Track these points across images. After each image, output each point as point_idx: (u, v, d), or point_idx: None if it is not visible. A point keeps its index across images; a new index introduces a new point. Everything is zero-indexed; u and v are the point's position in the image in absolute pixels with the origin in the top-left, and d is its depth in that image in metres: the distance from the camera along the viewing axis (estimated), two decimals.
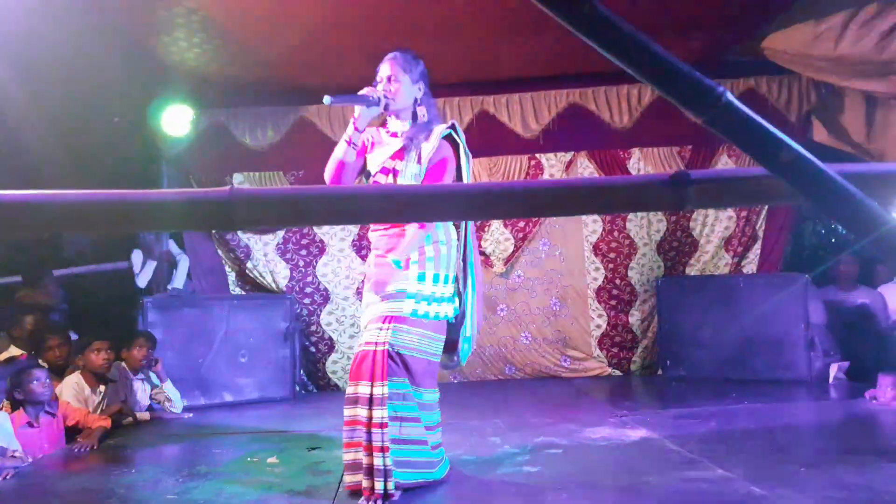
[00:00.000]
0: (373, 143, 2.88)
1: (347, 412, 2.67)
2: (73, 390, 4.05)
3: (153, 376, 4.57)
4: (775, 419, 3.89)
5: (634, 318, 5.77)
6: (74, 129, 4.71)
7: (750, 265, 5.72)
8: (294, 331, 5.24)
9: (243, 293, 5.62)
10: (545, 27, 4.05)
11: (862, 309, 5.26)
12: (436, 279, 2.74)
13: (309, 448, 3.51)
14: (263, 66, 4.82)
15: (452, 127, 2.84)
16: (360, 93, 2.69)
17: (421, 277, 2.71)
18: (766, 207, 5.68)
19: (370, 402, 2.59)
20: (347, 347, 5.61)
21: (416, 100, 2.80)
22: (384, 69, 2.77)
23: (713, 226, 5.74)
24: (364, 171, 2.91)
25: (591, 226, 5.81)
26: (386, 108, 2.74)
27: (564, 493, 2.62)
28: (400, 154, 2.79)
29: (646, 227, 5.80)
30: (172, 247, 5.81)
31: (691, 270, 5.78)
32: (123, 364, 4.46)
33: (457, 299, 2.88)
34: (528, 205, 1.34)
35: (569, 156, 5.76)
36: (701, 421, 3.82)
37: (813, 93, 5.32)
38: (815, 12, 4.06)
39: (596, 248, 5.79)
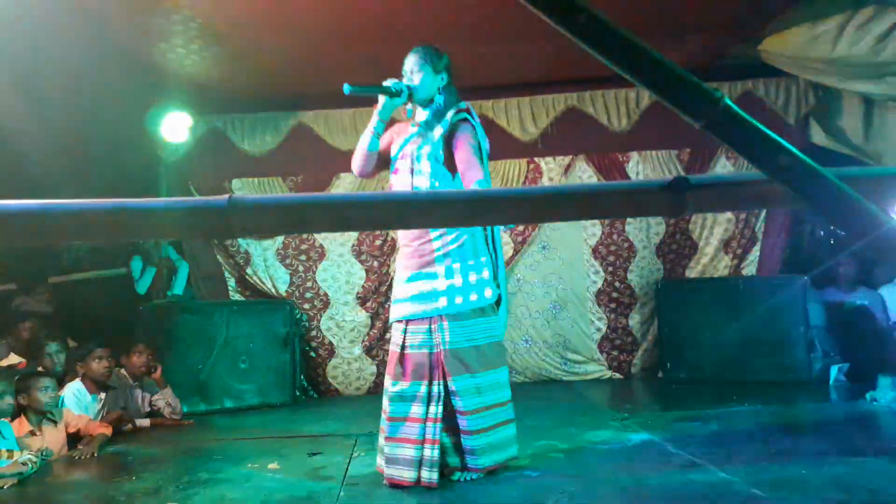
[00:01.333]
0: (399, 136, 3.00)
1: (395, 408, 2.80)
2: (74, 398, 4.04)
3: (153, 383, 4.56)
4: (776, 421, 3.89)
5: (634, 320, 5.77)
6: (74, 137, 4.72)
7: (749, 267, 5.72)
8: (294, 336, 5.24)
9: (243, 299, 5.61)
10: (543, 32, 4.05)
11: (861, 310, 5.26)
12: (464, 269, 2.81)
13: (310, 453, 3.50)
14: (261, 73, 4.83)
15: (467, 110, 2.89)
16: (384, 83, 2.79)
17: (449, 272, 2.80)
18: (765, 210, 5.69)
19: (427, 399, 2.76)
20: (348, 353, 5.61)
21: (438, 90, 2.88)
22: (407, 62, 2.89)
23: (712, 228, 5.75)
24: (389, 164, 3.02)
25: (591, 229, 5.80)
26: (410, 98, 2.83)
27: (566, 496, 2.62)
28: (416, 139, 2.90)
29: (645, 230, 5.80)
30: (172, 253, 5.82)
31: (691, 273, 5.78)
32: (123, 371, 4.46)
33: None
34: (526, 211, 1.33)
35: (567, 159, 5.75)
36: (702, 423, 3.82)
37: (811, 95, 5.34)
38: (811, 15, 4.07)
39: (595, 252, 5.79)
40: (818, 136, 5.34)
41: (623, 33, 0.95)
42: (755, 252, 5.72)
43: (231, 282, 5.67)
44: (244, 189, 5.56)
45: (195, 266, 5.60)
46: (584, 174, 5.74)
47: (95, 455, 3.63)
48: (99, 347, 4.19)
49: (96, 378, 4.16)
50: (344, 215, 1.28)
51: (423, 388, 2.78)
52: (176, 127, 5.12)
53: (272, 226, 1.60)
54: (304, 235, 5.62)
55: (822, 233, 6.53)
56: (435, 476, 2.73)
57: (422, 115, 2.93)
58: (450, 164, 2.85)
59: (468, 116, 2.88)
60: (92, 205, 1.22)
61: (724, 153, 5.61)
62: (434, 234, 2.81)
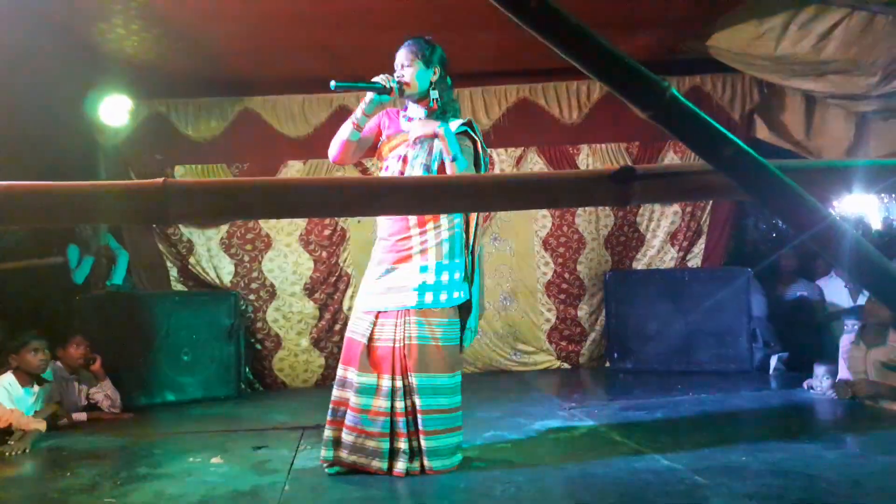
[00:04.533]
0: (392, 127, 2.97)
1: (359, 400, 2.77)
2: (5, 391, 3.86)
3: (91, 376, 4.40)
4: (719, 409, 3.98)
5: (583, 311, 5.83)
6: (8, 118, 4.49)
7: (694, 259, 5.84)
8: (239, 328, 5.12)
9: (185, 289, 5.46)
10: (495, 22, 4.03)
11: (800, 301, 5.44)
12: (439, 268, 2.81)
13: (255, 447, 3.42)
14: (206, 56, 4.69)
15: (469, 124, 2.88)
16: (374, 79, 2.76)
17: (424, 269, 2.80)
18: (710, 203, 5.81)
19: (392, 394, 2.76)
20: (295, 344, 5.52)
21: (431, 83, 2.86)
22: (398, 56, 2.87)
23: (659, 221, 5.84)
24: (375, 153, 3.02)
25: (541, 221, 5.84)
26: (401, 94, 2.83)
27: (513, 486, 2.63)
28: (414, 145, 2.87)
29: (594, 222, 5.86)
30: (111, 242, 5.62)
31: (638, 265, 5.87)
32: (59, 363, 4.30)
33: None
34: (475, 199, 1.31)
35: (519, 151, 5.77)
36: (647, 412, 3.88)
37: (755, 91, 5.47)
38: (757, 13, 4.16)
39: (545, 243, 5.83)
40: (762, 131, 5.47)
41: (573, 21, 0.93)
42: (700, 245, 5.84)
43: (173, 272, 5.51)
44: (187, 176, 5.39)
45: (135, 255, 5.42)
46: (536, 166, 5.76)
47: (28, 451, 3.49)
48: (34, 339, 4.02)
49: (31, 370, 3.99)
50: (287, 201, 1.24)
51: (388, 382, 2.78)
52: (116, 110, 4.93)
53: (210, 211, 1.54)
54: (250, 224, 5.50)
55: (764, 226, 6.72)
56: (415, 466, 2.76)
57: (417, 110, 2.91)
58: None
59: (469, 130, 2.88)
60: (16, 187, 1.14)
61: (672, 147, 5.70)
62: (414, 231, 2.82)
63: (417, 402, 2.76)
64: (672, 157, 5.73)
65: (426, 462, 2.77)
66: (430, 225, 2.82)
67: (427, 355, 2.79)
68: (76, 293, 5.13)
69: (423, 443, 2.76)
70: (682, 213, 5.81)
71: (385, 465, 2.76)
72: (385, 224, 2.90)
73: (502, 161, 5.75)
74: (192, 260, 5.45)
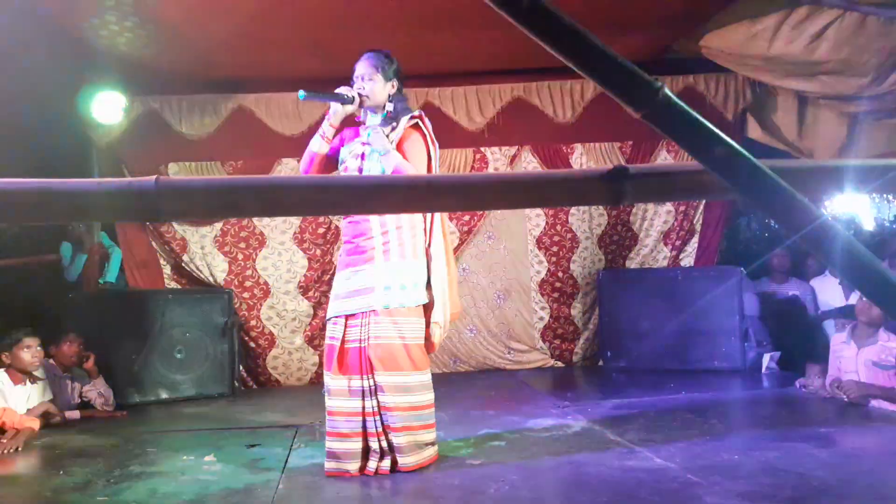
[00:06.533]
0: (353, 137, 3.05)
1: (336, 403, 2.84)
2: None
3: (84, 373, 4.39)
4: (711, 408, 3.99)
5: (576, 310, 5.84)
6: (1, 116, 4.47)
7: (687, 258, 5.86)
8: (233, 326, 5.11)
9: (179, 287, 5.44)
10: (490, 20, 4.03)
11: (793, 300, 5.46)
12: (401, 268, 2.88)
13: (248, 445, 3.43)
14: (200, 53, 4.67)
15: (419, 117, 2.98)
16: (337, 91, 2.85)
17: (387, 269, 2.86)
18: (703, 202, 5.83)
19: (362, 394, 2.82)
20: (289, 343, 5.51)
21: (389, 96, 2.96)
22: (359, 68, 2.95)
23: (652, 220, 5.86)
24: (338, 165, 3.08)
25: (535, 219, 5.85)
26: (361, 105, 2.91)
27: (507, 485, 2.63)
28: (368, 144, 2.96)
29: (587, 221, 5.87)
30: (104, 239, 5.60)
31: (631, 263, 5.89)
32: (52, 361, 4.28)
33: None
34: (467, 198, 1.31)
35: (513, 150, 5.77)
36: (640, 411, 3.89)
37: (748, 91, 5.48)
38: (750, 13, 4.17)
39: (539, 242, 5.84)
40: (755, 131, 5.49)
41: (565, 20, 0.94)
42: (693, 244, 5.86)
43: (166, 269, 5.49)
44: (181, 173, 5.37)
45: (129, 252, 5.40)
46: (530, 164, 5.77)
47: (20, 449, 3.47)
48: (28, 336, 4.01)
49: (23, 368, 3.98)
50: (279, 199, 1.23)
51: (358, 382, 2.84)
52: (109, 107, 4.90)
53: (203, 209, 1.53)
54: (244, 222, 5.49)
55: (756, 226, 6.75)
56: (385, 465, 2.80)
57: (374, 120, 2.98)
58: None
59: (420, 124, 2.97)
60: (10, 184, 1.14)
61: (665, 146, 5.72)
62: (376, 232, 2.88)
63: (385, 400, 2.81)
64: (665, 157, 5.74)
65: (397, 459, 2.82)
66: (392, 226, 2.88)
67: (393, 354, 2.84)
68: (69, 291, 5.12)
69: (392, 439, 2.81)
70: (675, 213, 5.82)
71: (357, 467, 2.80)
72: (348, 228, 2.97)
73: (496, 160, 5.76)
74: (185, 258, 5.43)
